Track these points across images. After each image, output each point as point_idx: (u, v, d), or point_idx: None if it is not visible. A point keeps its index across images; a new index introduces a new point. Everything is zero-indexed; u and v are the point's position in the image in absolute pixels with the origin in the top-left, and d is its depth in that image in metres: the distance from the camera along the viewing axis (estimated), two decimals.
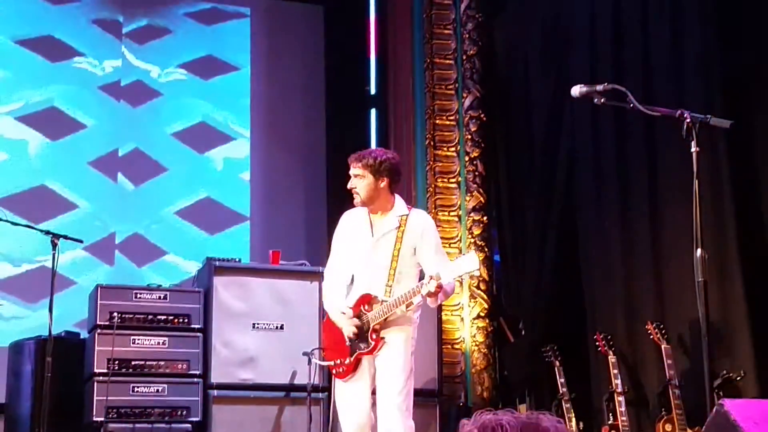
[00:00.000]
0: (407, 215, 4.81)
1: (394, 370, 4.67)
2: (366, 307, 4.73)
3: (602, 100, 4.04)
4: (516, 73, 7.57)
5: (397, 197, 4.88)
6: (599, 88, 4.04)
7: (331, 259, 4.97)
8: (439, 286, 4.47)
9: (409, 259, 4.76)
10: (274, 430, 6.02)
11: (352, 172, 4.81)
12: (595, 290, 6.38)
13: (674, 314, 5.68)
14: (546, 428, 1.81)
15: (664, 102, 5.55)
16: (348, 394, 4.78)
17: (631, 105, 3.98)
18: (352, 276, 4.87)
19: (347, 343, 4.73)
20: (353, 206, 4.92)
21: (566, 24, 6.90)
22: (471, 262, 4.45)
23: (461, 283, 7.31)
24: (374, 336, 4.67)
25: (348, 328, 4.71)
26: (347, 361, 4.73)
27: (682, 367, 5.51)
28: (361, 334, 4.70)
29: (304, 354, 5.78)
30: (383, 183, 4.76)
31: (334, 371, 4.85)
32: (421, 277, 4.73)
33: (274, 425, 6.03)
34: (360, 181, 4.77)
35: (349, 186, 4.83)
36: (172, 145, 8.04)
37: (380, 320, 4.67)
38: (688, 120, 3.85)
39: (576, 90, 4.10)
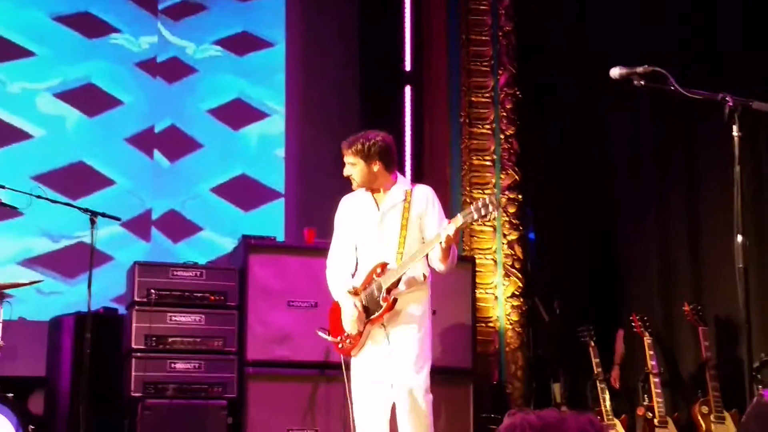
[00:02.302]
0: (411, 189, 4.80)
1: (411, 346, 4.61)
2: (379, 271, 4.68)
3: (642, 82, 3.98)
4: (552, 50, 7.50)
5: (399, 175, 4.87)
6: (639, 69, 3.98)
7: (333, 245, 4.94)
8: (456, 231, 4.41)
9: (416, 229, 4.72)
10: (309, 406, 6.07)
11: (345, 159, 4.79)
12: (631, 270, 6.36)
13: (711, 296, 5.65)
14: (568, 429, 1.76)
15: (701, 83, 5.48)
16: (364, 368, 4.70)
17: (672, 88, 3.92)
18: (356, 264, 4.83)
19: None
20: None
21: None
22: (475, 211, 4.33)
23: (495, 261, 7.31)
24: (386, 296, 4.59)
25: (351, 312, 4.64)
26: (355, 332, 4.67)
27: (719, 348, 5.48)
28: (372, 300, 4.65)
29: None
30: (376, 167, 4.73)
31: (340, 346, 4.78)
32: None
33: (309, 402, 6.07)
34: (353, 168, 4.77)
35: (345, 173, 4.82)
36: (208, 122, 8.07)
37: (394, 280, 4.60)
38: (731, 104, 3.80)
39: (615, 71, 4.03)
